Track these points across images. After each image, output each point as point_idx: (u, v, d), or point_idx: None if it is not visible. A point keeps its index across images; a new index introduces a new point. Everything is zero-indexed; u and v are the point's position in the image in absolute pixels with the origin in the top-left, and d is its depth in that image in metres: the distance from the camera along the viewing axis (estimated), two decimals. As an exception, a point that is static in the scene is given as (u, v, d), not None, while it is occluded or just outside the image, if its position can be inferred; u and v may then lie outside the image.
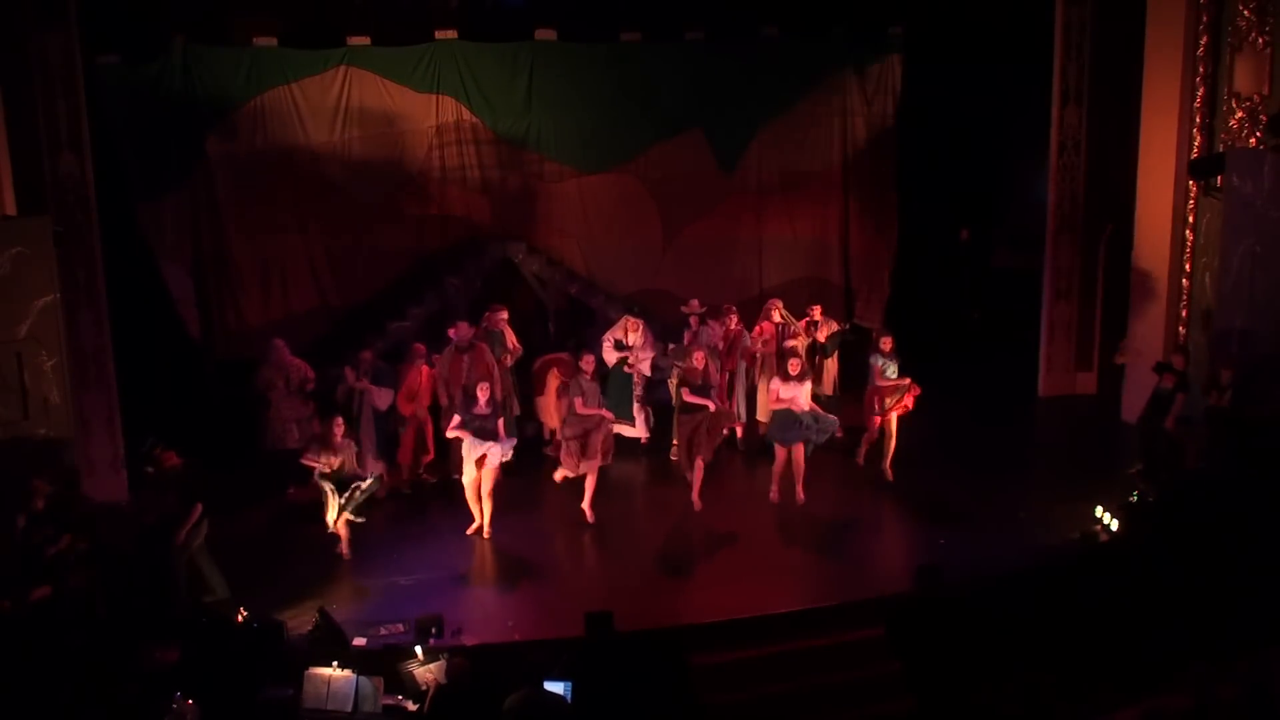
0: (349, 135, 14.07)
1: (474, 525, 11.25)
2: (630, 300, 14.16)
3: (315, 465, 10.68)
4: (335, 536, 10.81)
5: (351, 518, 10.79)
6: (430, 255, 14.53)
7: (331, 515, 10.69)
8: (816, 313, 13.38)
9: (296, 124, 13.90)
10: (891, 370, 12.19)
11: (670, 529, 11.44)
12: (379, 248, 14.43)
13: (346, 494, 10.64)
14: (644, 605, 9.80)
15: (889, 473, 12.25)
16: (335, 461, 10.68)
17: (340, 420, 10.87)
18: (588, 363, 11.67)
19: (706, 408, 11.67)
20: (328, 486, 10.66)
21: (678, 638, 9.39)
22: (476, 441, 10.96)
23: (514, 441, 11.50)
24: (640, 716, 8.92)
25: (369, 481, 10.75)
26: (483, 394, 11.06)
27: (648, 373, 12.97)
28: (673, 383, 13.07)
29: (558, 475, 12.00)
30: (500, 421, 11.18)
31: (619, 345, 12.92)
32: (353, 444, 10.89)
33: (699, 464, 11.68)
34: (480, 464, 11.04)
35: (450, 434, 11.21)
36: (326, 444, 10.73)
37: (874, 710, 9.27)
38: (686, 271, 15.24)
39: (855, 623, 9.68)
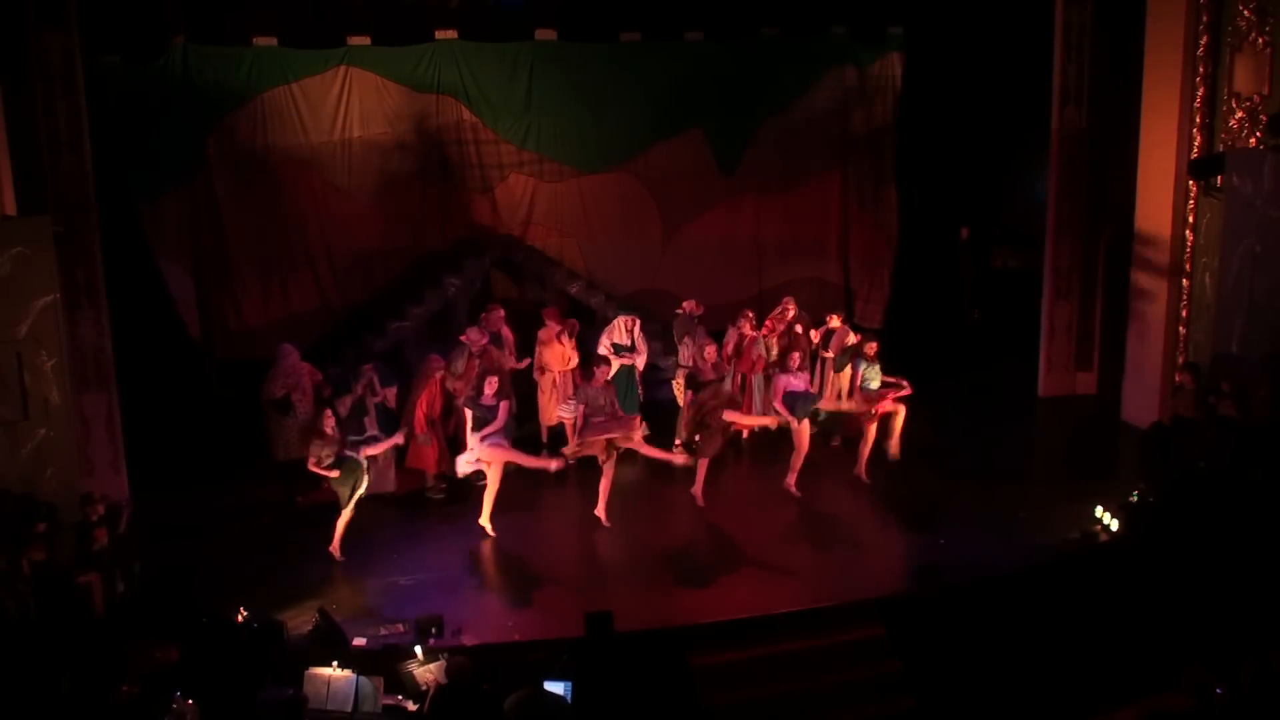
0: (349, 135, 14.06)
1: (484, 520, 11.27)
2: (630, 300, 14.13)
3: (322, 472, 10.77)
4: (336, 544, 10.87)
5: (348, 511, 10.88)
6: (430, 255, 14.52)
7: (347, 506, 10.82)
8: (834, 321, 13.29)
9: (296, 124, 13.89)
10: (873, 377, 12.06)
11: (670, 529, 11.45)
12: (379, 248, 14.42)
13: (355, 480, 10.77)
14: (644, 605, 9.79)
15: (864, 475, 12.19)
16: (331, 453, 10.71)
17: (329, 412, 10.92)
18: (602, 373, 11.59)
19: (716, 383, 11.64)
20: (339, 485, 10.76)
21: (678, 638, 9.40)
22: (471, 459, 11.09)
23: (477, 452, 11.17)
24: (640, 717, 8.93)
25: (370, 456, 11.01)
26: (489, 386, 11.14)
27: (640, 366, 12.95)
28: (677, 384, 13.05)
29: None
30: (503, 409, 11.17)
31: (618, 349, 12.89)
32: (342, 436, 10.94)
33: (703, 462, 11.66)
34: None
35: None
36: (320, 436, 10.79)
37: (874, 710, 9.28)
38: (686, 271, 15.23)
39: (855, 623, 9.68)
